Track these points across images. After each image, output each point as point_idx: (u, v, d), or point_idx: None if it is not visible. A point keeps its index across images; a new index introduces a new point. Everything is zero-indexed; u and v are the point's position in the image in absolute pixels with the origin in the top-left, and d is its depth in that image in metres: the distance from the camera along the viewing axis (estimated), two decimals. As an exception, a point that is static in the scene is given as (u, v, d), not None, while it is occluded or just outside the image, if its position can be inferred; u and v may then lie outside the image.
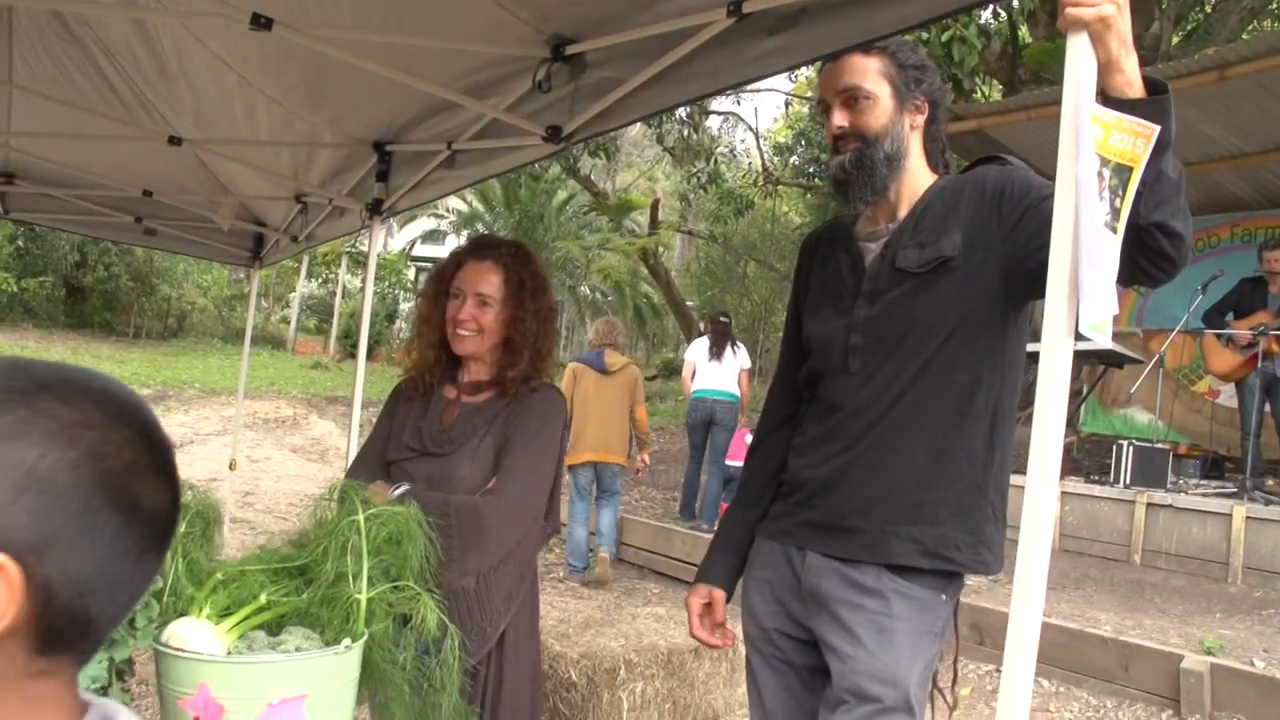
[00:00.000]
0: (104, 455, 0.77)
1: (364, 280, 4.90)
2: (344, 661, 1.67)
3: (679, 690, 4.57)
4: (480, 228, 24.57)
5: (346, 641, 1.66)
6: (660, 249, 21.39)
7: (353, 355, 26.54)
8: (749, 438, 6.42)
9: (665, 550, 8.54)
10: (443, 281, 2.57)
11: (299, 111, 4.11)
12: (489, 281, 2.52)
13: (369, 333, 4.71)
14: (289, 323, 28.84)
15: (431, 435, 2.49)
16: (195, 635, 1.58)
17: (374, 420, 2.67)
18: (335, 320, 26.03)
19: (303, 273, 27.82)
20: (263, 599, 1.67)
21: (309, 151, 4.63)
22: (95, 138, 4.82)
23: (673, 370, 21.17)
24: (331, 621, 1.68)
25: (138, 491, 0.79)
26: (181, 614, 1.62)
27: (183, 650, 1.57)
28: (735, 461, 8.91)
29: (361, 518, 1.76)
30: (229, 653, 1.61)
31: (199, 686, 1.51)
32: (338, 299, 26.10)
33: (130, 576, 0.80)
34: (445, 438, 2.47)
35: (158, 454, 0.82)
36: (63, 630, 0.77)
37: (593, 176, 21.95)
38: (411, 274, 30.21)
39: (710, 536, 2.40)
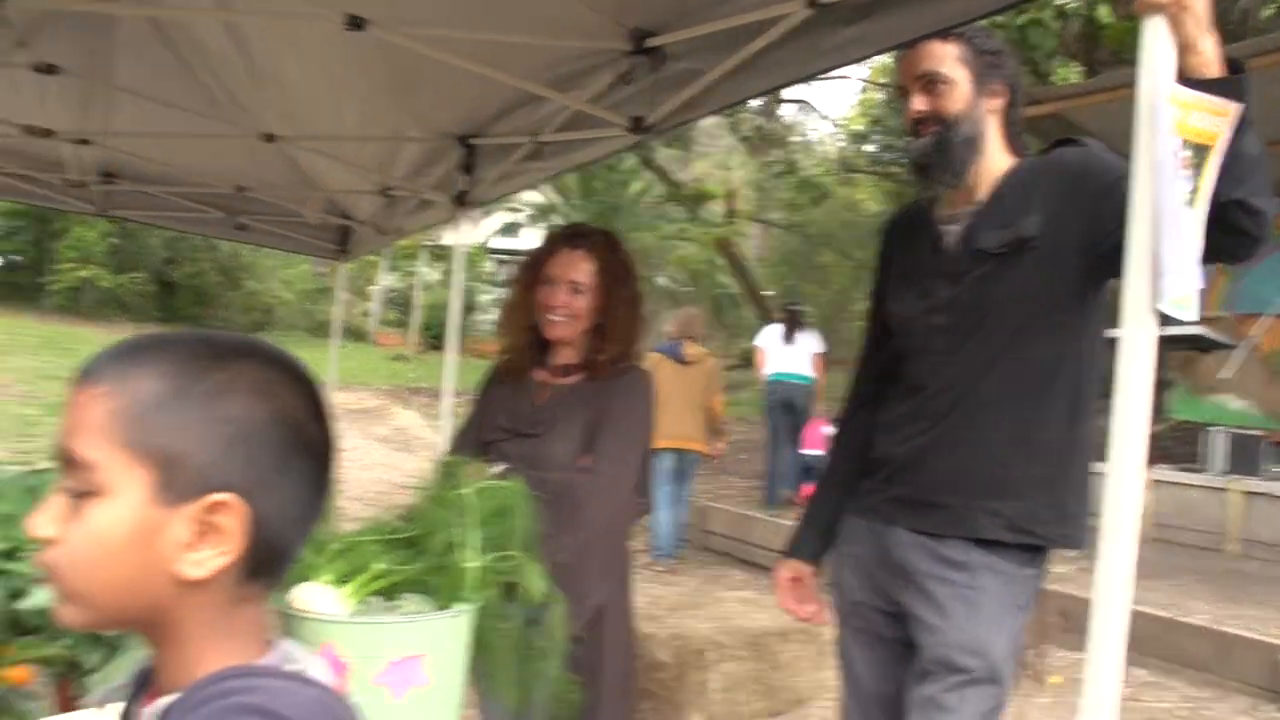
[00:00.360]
0: (292, 408, 0.91)
1: (450, 272, 5.03)
2: (459, 624, 1.78)
3: (766, 672, 4.64)
4: (557, 220, 24.75)
5: (461, 605, 1.77)
6: (737, 239, 21.38)
7: (434, 347, 26.88)
8: (826, 428, 6.44)
9: (748, 537, 8.60)
10: (536, 268, 2.67)
11: (386, 107, 4.24)
12: (582, 269, 2.61)
13: (449, 324, 4.84)
14: (370, 315, 29.34)
15: (524, 417, 2.59)
16: (319, 598, 1.70)
17: (462, 409, 2.77)
18: (416, 313, 26.44)
19: (384, 265, 28.28)
20: (379, 567, 1.78)
21: (395, 146, 4.76)
22: (189, 136, 5.01)
23: (751, 360, 21.15)
24: (443, 588, 1.79)
25: (315, 437, 0.93)
26: (303, 580, 1.74)
27: (308, 612, 1.69)
28: (812, 450, 8.96)
29: (470, 490, 1.87)
30: (351, 615, 1.73)
31: (323, 646, 1.62)
32: (417, 291, 26.52)
33: (311, 509, 0.94)
34: (538, 419, 2.57)
35: (324, 406, 0.95)
36: (266, 560, 0.90)
37: (667, 166, 21.99)
38: (489, 266, 30.51)
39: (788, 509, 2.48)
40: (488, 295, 29.91)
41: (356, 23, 2.75)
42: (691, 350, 8.06)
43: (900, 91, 2.22)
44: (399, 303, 28.40)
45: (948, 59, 2.12)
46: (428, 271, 28.15)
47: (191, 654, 0.88)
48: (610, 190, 24.57)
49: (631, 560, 2.67)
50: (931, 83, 2.13)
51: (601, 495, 2.44)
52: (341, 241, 7.14)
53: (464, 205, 4.45)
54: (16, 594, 1.52)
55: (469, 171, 4.32)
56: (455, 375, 4.79)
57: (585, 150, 3.68)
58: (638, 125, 3.22)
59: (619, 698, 2.53)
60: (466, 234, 4.89)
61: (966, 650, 2.01)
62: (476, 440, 2.66)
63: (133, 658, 1.44)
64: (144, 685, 0.95)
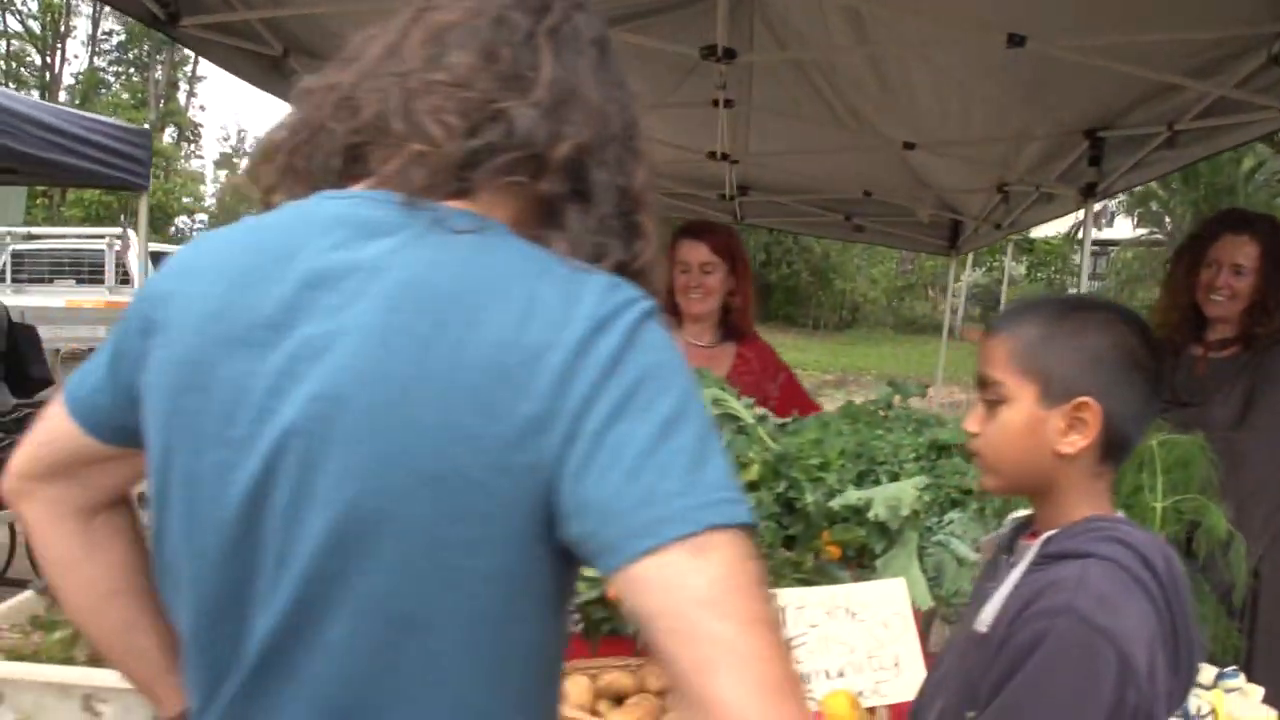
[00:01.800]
0: (1126, 338, 1.32)
1: (1079, 266, 5.15)
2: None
3: None
4: (1154, 206, 23.24)
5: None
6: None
7: (1020, 342, 26.39)
8: None
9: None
10: (1198, 251, 2.87)
11: (1014, 108, 4.50)
12: (1245, 253, 2.78)
13: None
14: (956, 312, 29.54)
15: (1183, 387, 2.81)
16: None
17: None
18: (1001, 308, 26.16)
19: (970, 261, 28.28)
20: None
21: (1018, 143, 5.01)
22: (816, 151, 5.66)
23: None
24: (1131, 524, 2.09)
25: (1144, 359, 1.33)
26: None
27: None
28: None
29: (1154, 441, 2.16)
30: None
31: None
32: (1004, 287, 26.26)
33: (1145, 411, 1.34)
34: (1197, 388, 2.79)
35: (1150, 338, 1.34)
36: (1114, 445, 1.32)
37: (1289, 140, 19.76)
38: (1078, 259, 29.38)
39: None
40: (1075, 290, 28.80)
41: (1018, 40, 3.09)
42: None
43: None
44: (983, 299, 28.29)
45: None
46: (1013, 265, 27.75)
47: (1064, 507, 1.32)
48: (1218, 172, 22.58)
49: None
50: None
51: (1264, 453, 2.60)
52: (952, 237, 7.53)
53: (1092, 197, 4.61)
54: (830, 494, 2.08)
55: (1097, 164, 4.47)
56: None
57: (1229, 135, 3.71)
58: (1293, 106, 3.22)
59: (1276, 653, 2.65)
60: (1101, 224, 5.03)
61: None
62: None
63: (907, 550, 1.93)
64: (1022, 530, 1.42)
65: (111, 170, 5.27)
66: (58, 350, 8.09)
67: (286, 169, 1.00)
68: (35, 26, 36.34)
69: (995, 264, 28.24)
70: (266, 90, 4.29)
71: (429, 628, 0.85)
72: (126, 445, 1.02)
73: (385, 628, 0.85)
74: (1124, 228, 25.08)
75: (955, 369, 22.26)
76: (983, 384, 1.37)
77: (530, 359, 0.82)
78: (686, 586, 0.76)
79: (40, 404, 6.88)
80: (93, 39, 39.66)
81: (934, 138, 5.10)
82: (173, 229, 30.67)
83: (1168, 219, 22.12)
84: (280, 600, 0.86)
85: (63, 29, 37.40)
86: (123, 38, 39.73)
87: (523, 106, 0.91)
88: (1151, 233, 22.69)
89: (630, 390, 0.81)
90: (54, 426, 1.05)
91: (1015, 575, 1.29)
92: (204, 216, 36.42)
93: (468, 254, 0.88)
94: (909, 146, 4.95)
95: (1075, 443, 1.29)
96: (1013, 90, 4.25)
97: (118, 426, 1.01)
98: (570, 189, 0.94)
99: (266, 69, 4.13)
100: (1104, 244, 30.54)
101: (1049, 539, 1.30)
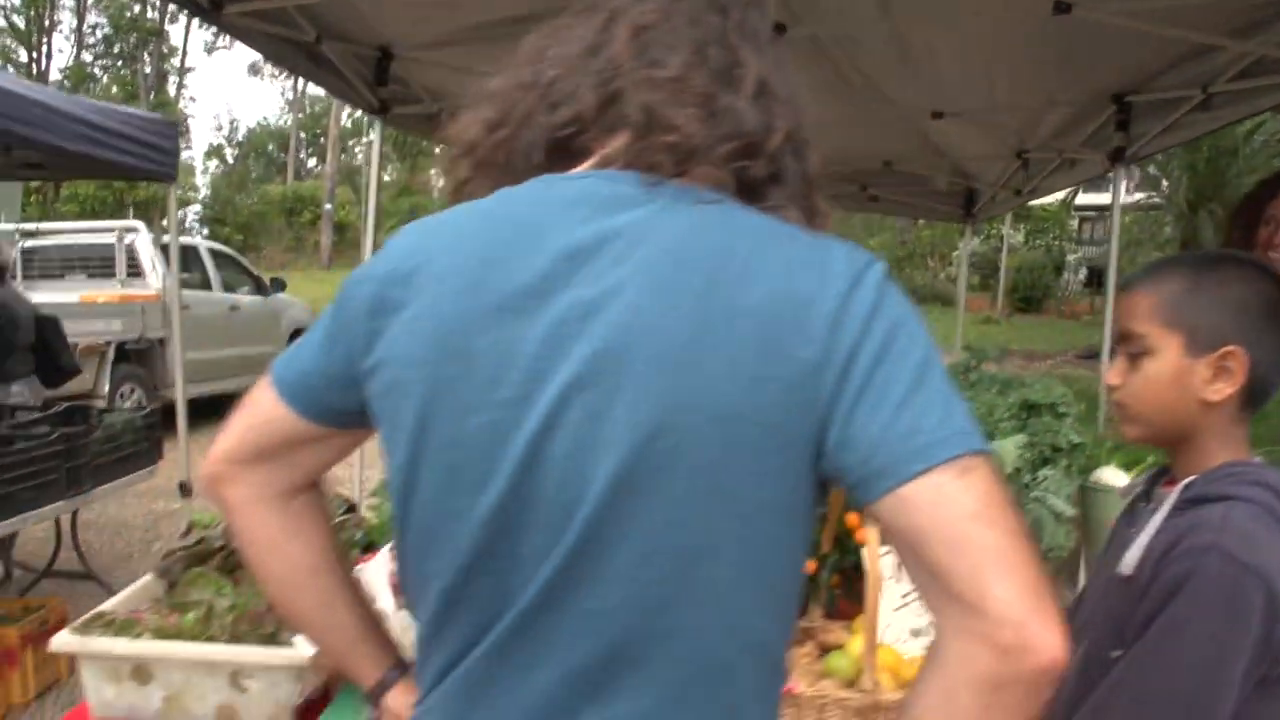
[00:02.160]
0: (1266, 290, 1.37)
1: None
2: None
3: None
4: (1151, 169, 23.22)
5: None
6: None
7: (1020, 310, 26.49)
8: None
9: None
10: (1256, 209, 2.89)
11: (1039, 74, 4.49)
12: None
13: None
14: (954, 280, 29.44)
15: None
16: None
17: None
18: (1001, 276, 26.21)
19: (968, 231, 28.22)
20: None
21: (1041, 110, 5.01)
22: (831, 123, 5.57)
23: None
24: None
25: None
26: (1100, 467, 2.21)
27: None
28: None
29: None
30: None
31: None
32: (1003, 255, 26.25)
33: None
34: None
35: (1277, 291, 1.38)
36: (1255, 393, 1.37)
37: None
38: (1075, 224, 29.45)
39: None
40: (1074, 255, 28.90)
41: (1063, 8, 3.11)
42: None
43: None
44: (982, 267, 28.30)
45: None
46: (1012, 234, 27.76)
47: (1204, 454, 1.38)
48: (1223, 134, 22.57)
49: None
50: None
51: None
52: (967, 205, 7.55)
53: (1120, 162, 4.63)
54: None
55: (1124, 128, 4.49)
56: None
57: (1267, 97, 3.73)
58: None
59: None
60: (1128, 188, 5.06)
61: None
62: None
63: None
64: (1160, 478, 1.46)
65: (141, 162, 5.28)
66: (75, 345, 8.09)
67: (485, 162, 1.06)
68: (19, 21, 36.18)
69: (994, 232, 28.25)
70: (302, 76, 4.32)
71: (713, 556, 0.91)
72: (337, 426, 1.07)
73: (670, 558, 0.91)
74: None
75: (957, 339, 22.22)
76: (1125, 338, 1.42)
77: (802, 307, 0.89)
78: (957, 502, 0.85)
79: (72, 397, 6.93)
80: (78, 33, 39.48)
81: (956, 106, 5.09)
82: (164, 219, 30.46)
83: (1165, 182, 22.09)
84: (564, 543, 0.91)
85: (47, 23, 37.23)
86: (108, 31, 39.59)
87: (741, 100, 0.99)
88: (1150, 196, 22.67)
89: (889, 337, 0.90)
90: (262, 410, 1.08)
91: (1157, 520, 1.33)
92: (197, 208, 36.31)
93: (721, 220, 0.95)
94: (937, 116, 4.95)
95: (1221, 390, 1.34)
96: (1041, 57, 4.24)
97: (330, 408, 1.05)
98: (769, 173, 1.02)
99: (303, 55, 4.16)
100: (1100, 209, 30.54)
101: (1189, 484, 1.34)
